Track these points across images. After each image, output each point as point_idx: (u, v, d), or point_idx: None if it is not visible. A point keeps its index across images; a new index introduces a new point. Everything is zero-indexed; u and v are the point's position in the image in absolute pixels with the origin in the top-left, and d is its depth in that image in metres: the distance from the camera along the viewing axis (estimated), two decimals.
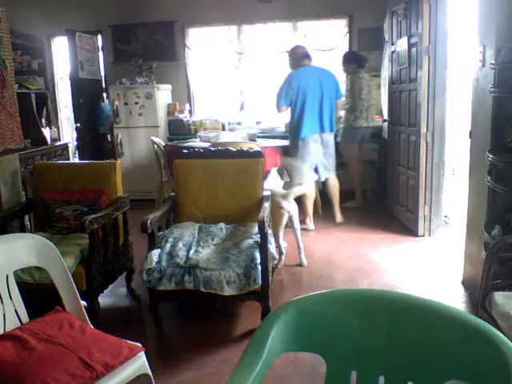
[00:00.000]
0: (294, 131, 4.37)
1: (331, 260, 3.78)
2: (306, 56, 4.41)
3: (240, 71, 6.10)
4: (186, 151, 3.36)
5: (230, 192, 3.16)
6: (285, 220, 3.50)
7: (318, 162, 4.40)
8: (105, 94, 6.22)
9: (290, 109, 4.33)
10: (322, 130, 4.35)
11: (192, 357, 2.46)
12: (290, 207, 3.49)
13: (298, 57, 4.44)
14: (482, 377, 1.05)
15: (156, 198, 5.01)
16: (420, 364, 1.15)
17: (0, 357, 1.56)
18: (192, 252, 2.70)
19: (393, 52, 4.79)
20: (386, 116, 5.19)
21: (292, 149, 4.42)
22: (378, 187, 5.55)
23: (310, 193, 4.46)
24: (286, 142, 4.81)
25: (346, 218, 4.71)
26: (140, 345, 1.76)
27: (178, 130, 5.93)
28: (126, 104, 5.73)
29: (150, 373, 1.76)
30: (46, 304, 1.95)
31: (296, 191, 3.58)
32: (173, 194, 3.30)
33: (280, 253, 3.57)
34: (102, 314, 2.83)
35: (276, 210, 3.33)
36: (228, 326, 2.80)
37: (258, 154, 3.24)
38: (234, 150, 3.31)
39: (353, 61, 4.98)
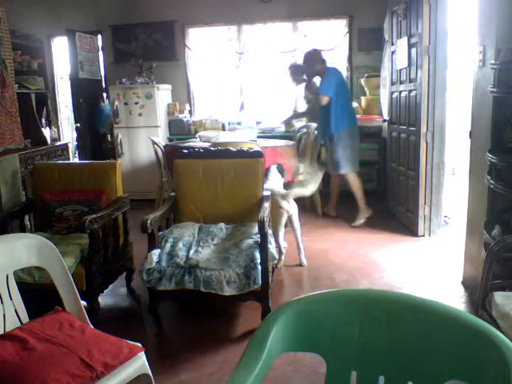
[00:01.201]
0: (343, 122, 4.56)
1: (331, 260, 3.78)
2: (323, 61, 4.69)
3: (240, 71, 6.10)
4: (185, 151, 3.36)
5: (230, 192, 3.16)
6: (284, 220, 3.50)
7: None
8: (105, 94, 6.23)
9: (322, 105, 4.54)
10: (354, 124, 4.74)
11: (192, 357, 2.47)
12: (289, 207, 3.49)
13: (319, 60, 4.72)
14: (482, 377, 1.05)
15: (156, 198, 5.01)
16: (420, 364, 1.15)
17: (0, 357, 1.56)
18: (192, 252, 2.70)
19: (393, 52, 4.79)
20: (386, 116, 5.19)
21: (338, 140, 4.57)
22: (379, 188, 5.55)
23: (357, 183, 4.66)
24: (284, 142, 4.81)
25: (346, 218, 4.71)
26: (140, 345, 1.76)
27: (178, 129, 5.93)
28: (125, 104, 5.72)
29: (150, 373, 1.76)
30: (46, 304, 1.95)
31: (296, 192, 3.58)
32: (173, 193, 3.30)
33: (280, 253, 3.57)
34: (102, 314, 2.84)
35: (275, 209, 3.33)
36: (228, 326, 2.79)
37: (257, 154, 3.24)
38: (233, 150, 3.31)
39: (303, 72, 4.91)
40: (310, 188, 3.66)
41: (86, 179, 3.15)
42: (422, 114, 4.03)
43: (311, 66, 4.65)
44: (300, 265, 3.65)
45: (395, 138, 4.78)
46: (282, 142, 4.84)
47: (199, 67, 6.18)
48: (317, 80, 4.69)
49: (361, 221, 4.60)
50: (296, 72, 4.86)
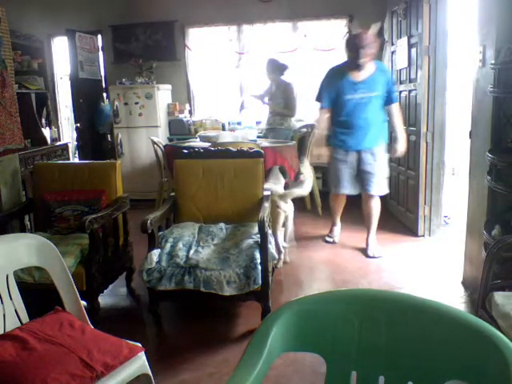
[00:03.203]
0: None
1: (331, 260, 3.78)
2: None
3: (240, 71, 6.10)
4: (185, 151, 3.36)
5: (230, 192, 3.16)
6: (281, 219, 3.51)
7: None
8: (105, 94, 6.23)
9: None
10: None
11: (192, 357, 2.46)
12: (286, 207, 3.49)
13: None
14: (482, 377, 1.05)
15: (156, 198, 5.01)
16: (420, 364, 1.15)
17: (0, 357, 1.56)
18: (192, 252, 2.70)
19: (393, 52, 4.79)
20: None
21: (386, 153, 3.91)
22: None
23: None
24: (284, 142, 4.81)
25: (346, 218, 4.70)
26: (140, 345, 1.76)
27: (178, 129, 5.93)
28: (126, 104, 5.72)
29: (150, 373, 1.76)
30: (46, 304, 1.95)
31: (295, 192, 3.59)
32: (173, 194, 3.30)
33: (279, 252, 3.57)
34: (102, 314, 2.83)
35: (273, 209, 3.34)
36: (228, 326, 2.80)
37: (257, 154, 3.24)
38: (233, 150, 3.31)
39: (277, 68, 5.01)
40: (307, 187, 3.67)
41: (86, 179, 3.15)
42: (422, 114, 4.03)
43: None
44: (284, 262, 3.64)
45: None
46: (282, 142, 4.84)
47: (199, 67, 6.17)
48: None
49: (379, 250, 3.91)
50: (273, 67, 4.98)
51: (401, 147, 3.79)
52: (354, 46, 3.55)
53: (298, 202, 4.96)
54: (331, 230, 4.23)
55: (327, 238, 4.19)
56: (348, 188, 3.81)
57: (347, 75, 3.65)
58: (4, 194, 3.14)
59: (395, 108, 3.78)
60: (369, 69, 3.61)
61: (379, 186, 3.79)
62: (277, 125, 5.06)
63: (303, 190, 3.67)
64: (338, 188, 3.84)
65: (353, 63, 3.60)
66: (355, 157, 3.74)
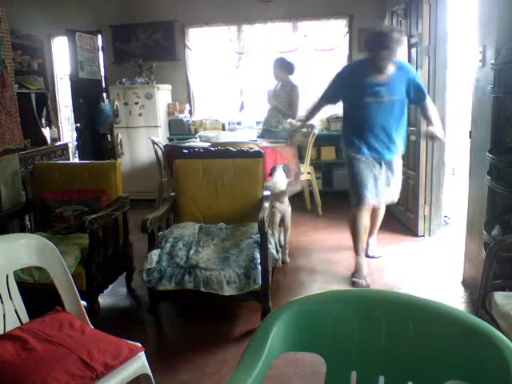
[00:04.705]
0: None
1: (331, 260, 3.78)
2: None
3: (240, 71, 6.10)
4: (185, 151, 3.36)
5: (230, 192, 3.16)
6: (277, 219, 3.51)
7: None
8: (105, 94, 6.23)
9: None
10: None
11: (192, 357, 2.46)
12: (281, 207, 3.50)
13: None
14: (482, 377, 1.05)
15: (156, 198, 5.02)
16: (420, 364, 1.15)
17: (0, 357, 1.56)
18: (192, 252, 2.70)
19: None
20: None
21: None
22: None
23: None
24: (284, 143, 4.81)
25: (346, 218, 4.70)
26: (140, 345, 1.76)
27: (178, 129, 5.93)
28: (126, 104, 5.72)
29: (150, 373, 1.76)
30: (46, 304, 1.95)
31: (290, 191, 3.59)
32: (173, 194, 3.30)
33: (276, 251, 3.57)
34: (102, 314, 2.84)
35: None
36: (228, 326, 2.79)
37: (257, 154, 3.24)
38: (233, 150, 3.31)
39: (285, 67, 4.92)
40: (299, 184, 3.66)
41: (86, 179, 3.15)
42: None
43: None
44: (283, 262, 3.64)
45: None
46: (282, 142, 4.84)
47: (199, 67, 6.18)
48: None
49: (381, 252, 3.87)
50: (281, 67, 4.90)
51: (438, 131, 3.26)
52: (374, 45, 3.13)
53: (298, 202, 4.97)
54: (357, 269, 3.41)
55: (356, 280, 3.32)
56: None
57: (369, 75, 3.22)
58: (4, 194, 3.14)
59: (429, 103, 3.36)
60: (389, 69, 3.19)
61: (397, 193, 3.61)
62: (271, 127, 5.02)
63: (296, 188, 3.65)
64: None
65: (373, 65, 3.19)
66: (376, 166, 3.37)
